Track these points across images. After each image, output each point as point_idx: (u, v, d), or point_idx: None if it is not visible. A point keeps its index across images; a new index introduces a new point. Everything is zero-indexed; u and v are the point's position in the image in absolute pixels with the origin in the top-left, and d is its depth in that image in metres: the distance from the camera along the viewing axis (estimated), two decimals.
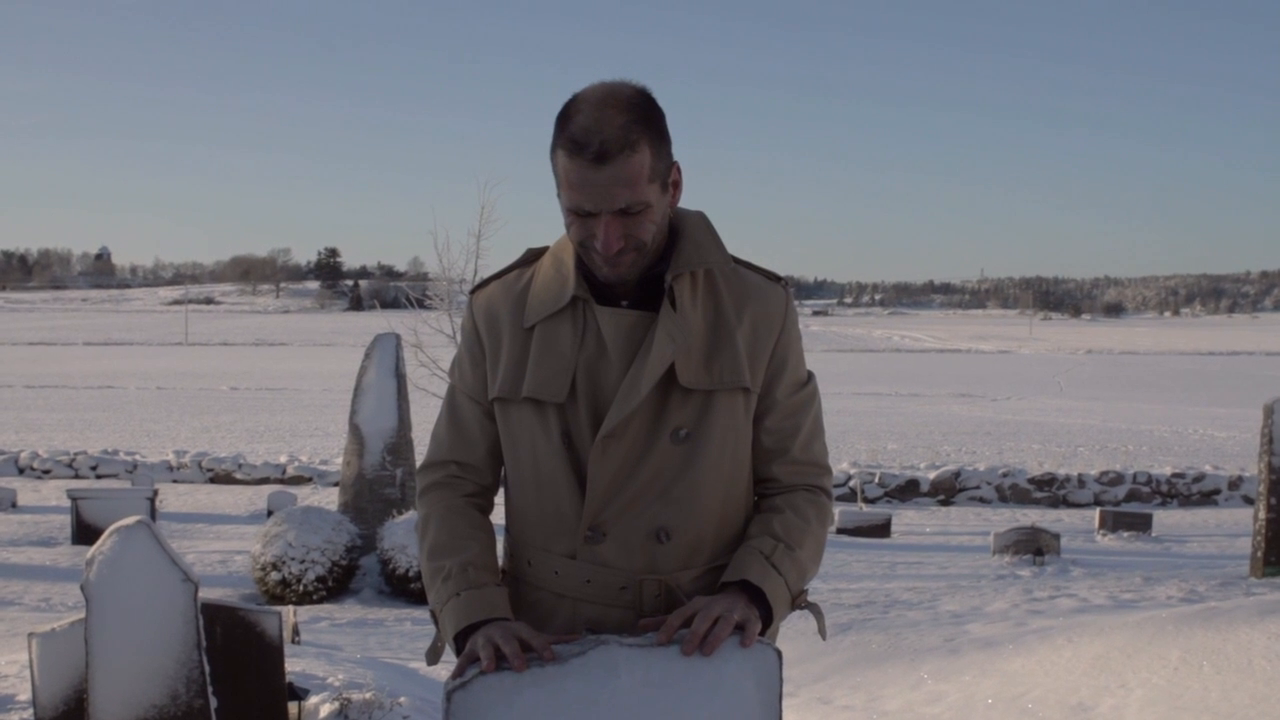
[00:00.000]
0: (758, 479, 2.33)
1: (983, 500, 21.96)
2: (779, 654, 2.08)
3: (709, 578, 2.23)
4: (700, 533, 2.23)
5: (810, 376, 2.36)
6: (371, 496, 12.98)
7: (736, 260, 2.31)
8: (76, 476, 23.17)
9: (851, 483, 21.30)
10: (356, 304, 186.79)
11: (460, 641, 2.13)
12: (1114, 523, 17.12)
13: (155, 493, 16.12)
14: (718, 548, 2.26)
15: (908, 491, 22.08)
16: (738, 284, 2.27)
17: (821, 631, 2.33)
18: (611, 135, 2.05)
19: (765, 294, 2.28)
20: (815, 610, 2.30)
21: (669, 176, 2.18)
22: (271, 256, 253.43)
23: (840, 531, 16.30)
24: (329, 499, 17.49)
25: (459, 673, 2.03)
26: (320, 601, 11.40)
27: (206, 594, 4.33)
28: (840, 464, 22.74)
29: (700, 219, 2.30)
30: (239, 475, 23.20)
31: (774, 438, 2.30)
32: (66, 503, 15.62)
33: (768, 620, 2.14)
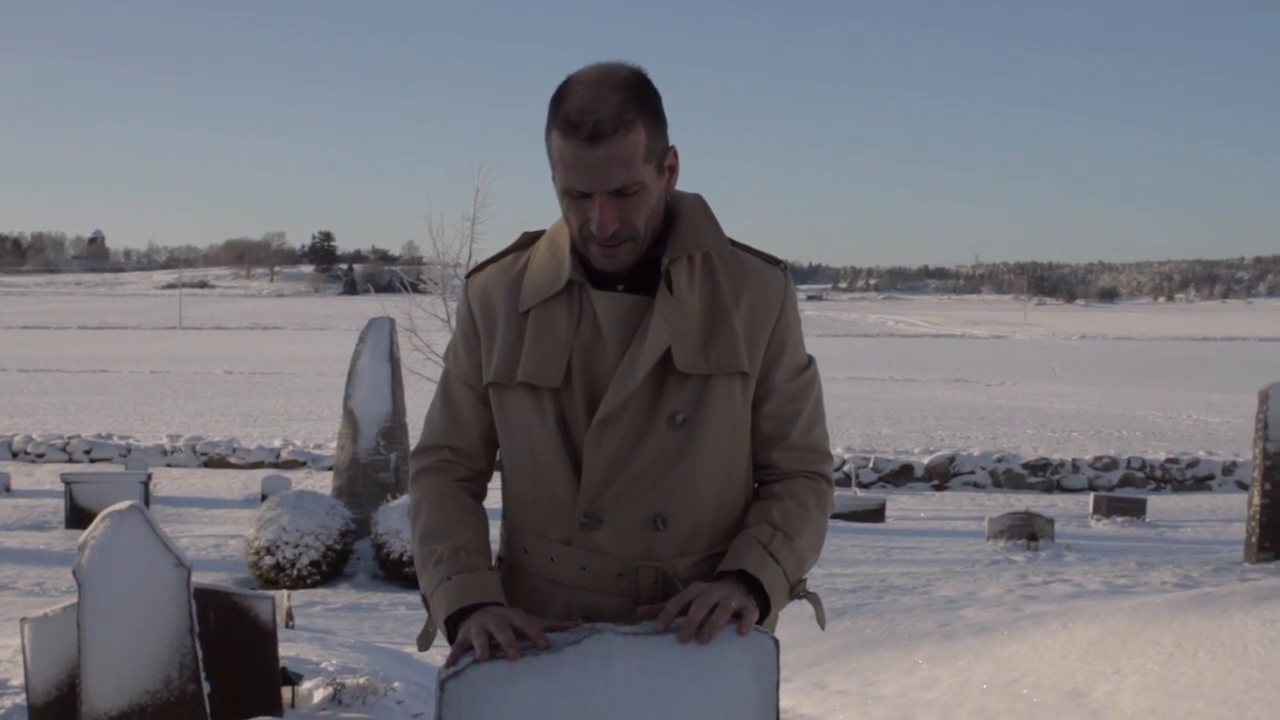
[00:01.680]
0: (757, 465, 2.31)
1: (977, 485, 21.97)
2: (776, 643, 2.06)
3: (707, 565, 2.21)
4: (698, 519, 2.21)
5: (810, 361, 2.33)
6: (365, 481, 12.97)
7: (734, 244, 2.28)
8: (70, 460, 23.13)
9: (846, 467, 21.31)
10: (351, 288, 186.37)
11: (452, 626, 2.11)
12: (1108, 508, 17.13)
13: (149, 477, 16.10)
14: (716, 534, 2.24)
15: (902, 476, 22.09)
16: (736, 267, 2.24)
17: (820, 621, 2.31)
18: (606, 114, 2.03)
19: (764, 277, 2.25)
20: (814, 599, 2.28)
21: (665, 159, 2.16)
22: (266, 240, 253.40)
23: (835, 516, 16.18)
24: (323, 483, 17.47)
25: (452, 661, 2.01)
26: (314, 586, 11.39)
27: (200, 578, 4.32)
28: (835, 449, 22.65)
29: (697, 201, 2.27)
30: (233, 459, 23.16)
31: (773, 423, 2.27)
32: (60, 487, 15.59)
33: (765, 610, 2.11)
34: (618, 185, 2.07)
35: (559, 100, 2.09)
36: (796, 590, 2.21)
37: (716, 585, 2.07)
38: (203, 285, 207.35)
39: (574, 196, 2.11)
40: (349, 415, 13.23)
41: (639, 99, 2.08)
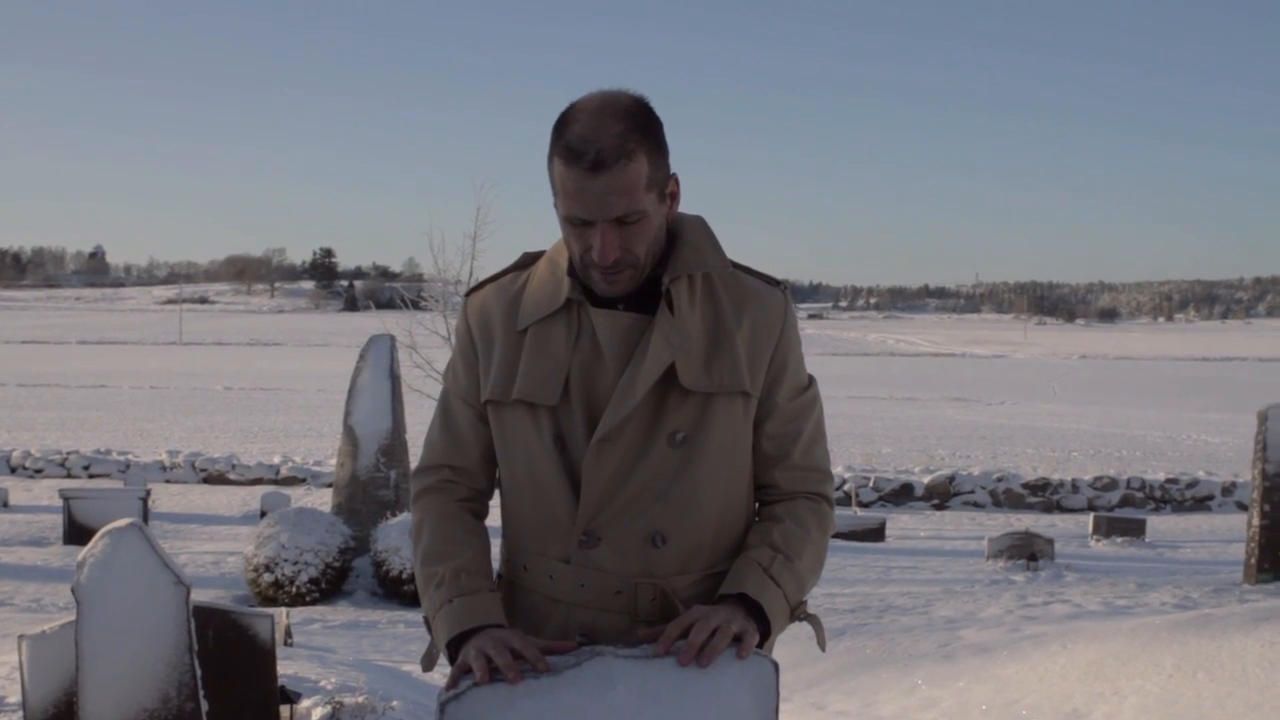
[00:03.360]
0: (758, 485, 2.31)
1: (977, 505, 21.96)
2: (776, 666, 2.06)
3: (706, 583, 2.21)
4: (698, 538, 2.21)
5: (811, 381, 2.34)
6: (365, 498, 12.95)
7: (735, 265, 2.29)
8: (69, 476, 23.11)
9: (846, 486, 21.31)
10: (351, 304, 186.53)
11: (453, 649, 2.11)
12: (1108, 528, 17.11)
13: (148, 493, 16.07)
14: (716, 553, 2.24)
15: (902, 495, 22.08)
16: (736, 288, 2.26)
17: (821, 644, 2.31)
18: (608, 144, 2.05)
19: (764, 298, 2.27)
20: (815, 622, 2.28)
21: (666, 187, 2.17)
22: (266, 256, 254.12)
23: (834, 536, 16.17)
24: (322, 500, 17.45)
25: (452, 684, 2.01)
26: (313, 603, 11.37)
27: (199, 595, 4.31)
28: (835, 468, 22.65)
29: (699, 223, 2.29)
30: (232, 476, 23.15)
31: (774, 443, 2.28)
32: (58, 502, 15.57)
33: (766, 633, 2.12)
34: (619, 214, 2.08)
35: (561, 128, 2.10)
36: (797, 612, 2.22)
37: (717, 609, 2.08)
38: (203, 301, 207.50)
39: (576, 224, 2.12)
40: (349, 432, 13.22)
41: (641, 128, 2.10)
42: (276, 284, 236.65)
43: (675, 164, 2.20)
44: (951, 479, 22.34)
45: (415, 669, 7.26)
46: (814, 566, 2.24)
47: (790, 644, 2.87)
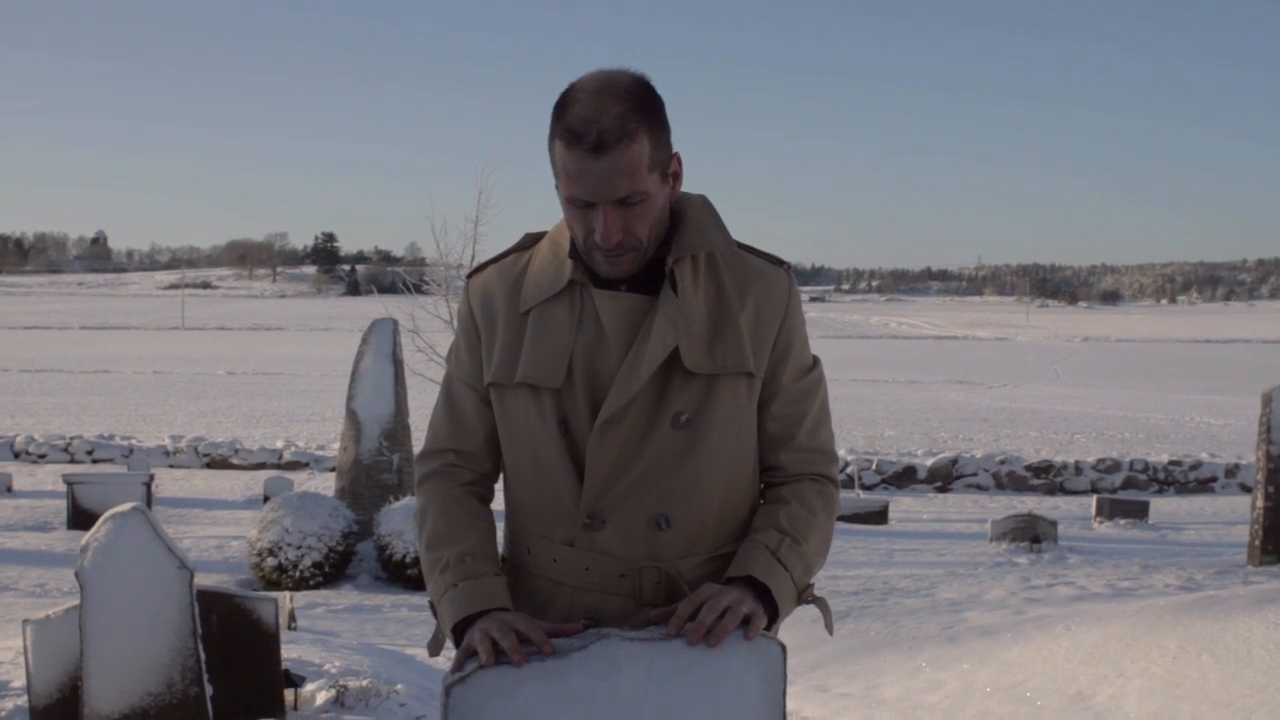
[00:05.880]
0: (763, 467, 2.30)
1: (980, 487, 21.96)
2: (783, 648, 2.05)
3: (711, 565, 2.20)
4: (702, 520, 2.20)
5: (816, 362, 2.33)
6: (368, 482, 12.97)
7: (739, 244, 2.28)
8: (72, 461, 23.14)
9: (849, 469, 21.30)
10: (354, 289, 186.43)
11: (459, 633, 2.10)
12: (1111, 510, 17.10)
13: (151, 478, 16.10)
14: (720, 536, 2.23)
15: (905, 478, 22.08)
16: (740, 268, 2.24)
17: (828, 626, 2.30)
18: (609, 124, 2.02)
19: (768, 278, 2.25)
20: (822, 604, 2.27)
21: (669, 167, 2.15)
22: (269, 241, 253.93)
23: (838, 518, 16.29)
24: (325, 484, 17.47)
25: (458, 667, 2.00)
26: (317, 588, 11.38)
27: (202, 580, 4.31)
28: (837, 450, 22.68)
29: (702, 202, 2.27)
30: (235, 460, 23.17)
31: (779, 424, 2.27)
32: (62, 487, 15.60)
33: (774, 616, 2.11)
34: (621, 195, 2.07)
35: (561, 109, 2.08)
36: (804, 595, 2.21)
37: (727, 589, 2.07)
38: (205, 286, 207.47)
39: (578, 206, 2.10)
40: (351, 416, 13.23)
41: (642, 108, 2.07)
42: (278, 269, 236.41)
43: (676, 146, 2.18)
44: (954, 461, 22.34)
45: (419, 653, 7.27)
46: (820, 549, 2.24)
47: (794, 627, 2.86)
